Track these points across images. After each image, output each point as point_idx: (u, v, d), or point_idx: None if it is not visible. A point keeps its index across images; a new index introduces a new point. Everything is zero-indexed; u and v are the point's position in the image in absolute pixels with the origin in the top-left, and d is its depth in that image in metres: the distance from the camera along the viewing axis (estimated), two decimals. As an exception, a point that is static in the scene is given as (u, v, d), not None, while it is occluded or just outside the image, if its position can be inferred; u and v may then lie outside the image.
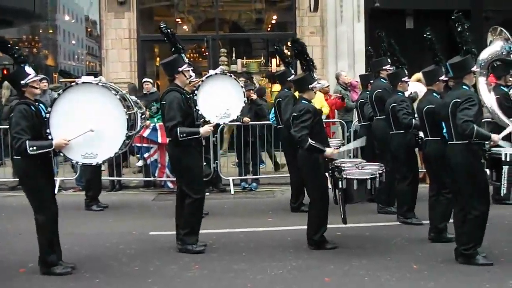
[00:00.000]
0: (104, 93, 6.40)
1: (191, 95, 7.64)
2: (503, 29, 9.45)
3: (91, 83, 6.46)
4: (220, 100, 8.35)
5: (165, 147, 10.86)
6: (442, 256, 6.77)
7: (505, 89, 9.38)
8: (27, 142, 5.98)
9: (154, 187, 11.70)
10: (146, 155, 11.14)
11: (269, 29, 16.81)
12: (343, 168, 7.08)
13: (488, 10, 15.27)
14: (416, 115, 8.03)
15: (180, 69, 7.13)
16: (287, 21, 16.07)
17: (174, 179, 10.89)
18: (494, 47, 9.35)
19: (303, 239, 7.36)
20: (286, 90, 9.68)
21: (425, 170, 10.28)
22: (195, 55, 17.01)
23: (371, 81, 9.68)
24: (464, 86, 6.43)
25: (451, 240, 6.95)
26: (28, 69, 6.26)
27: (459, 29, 6.62)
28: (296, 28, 15.33)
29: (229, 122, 9.22)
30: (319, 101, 11.19)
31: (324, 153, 6.99)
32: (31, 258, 6.58)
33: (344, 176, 6.97)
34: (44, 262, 6.35)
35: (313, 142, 6.89)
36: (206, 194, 10.42)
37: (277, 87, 14.92)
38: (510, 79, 9.72)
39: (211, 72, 8.80)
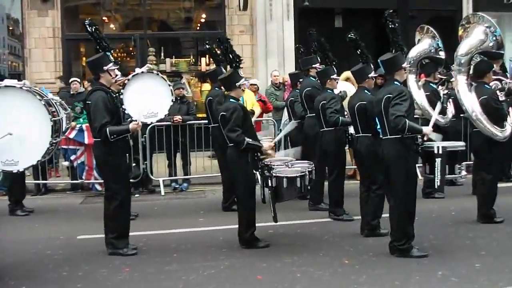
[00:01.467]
0: (28, 98, 6.17)
1: (117, 95, 7.47)
2: (430, 27, 9.70)
3: (15, 86, 6.21)
4: (147, 99, 8.20)
5: (92, 149, 10.63)
6: (373, 250, 6.87)
7: (434, 86, 9.62)
8: None
9: (82, 190, 11.42)
10: (72, 157, 10.85)
11: (198, 27, 16.71)
12: (272, 166, 7.07)
13: (413, 10, 15.67)
14: (346, 112, 8.14)
15: (105, 67, 6.94)
16: (217, 19, 16.02)
17: (102, 181, 10.73)
18: (423, 45, 9.58)
19: (235, 239, 7.31)
20: (216, 89, 9.61)
21: (354, 167, 10.53)
22: (122, 54, 16.69)
23: (301, 80, 9.74)
24: (395, 82, 6.54)
25: (385, 235, 7.07)
26: None
27: (390, 26, 6.72)
28: (225, 26, 15.29)
29: (156, 121, 9.08)
30: (250, 101, 11.19)
31: (262, 149, 6.98)
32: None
33: (274, 174, 6.96)
34: None
35: (250, 140, 6.87)
36: (136, 195, 10.39)
37: (207, 86, 14.85)
38: (438, 76, 9.99)
39: (137, 70, 8.65)
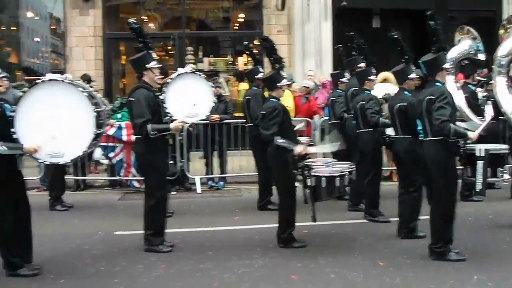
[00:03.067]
0: (71, 91, 6.27)
1: (159, 93, 7.55)
2: (470, 28, 9.57)
3: (57, 80, 6.34)
4: (188, 99, 8.27)
5: (131, 146, 10.78)
6: (408, 252, 6.83)
7: (473, 88, 9.50)
8: None
9: (120, 187, 11.58)
10: (111, 154, 11.01)
11: (236, 27, 16.77)
12: (312, 166, 7.09)
13: (453, 10, 15.47)
14: (385, 113, 8.11)
15: (148, 66, 7.02)
16: (254, 19, 16.05)
17: (140, 178, 10.88)
18: (462, 46, 9.45)
19: (270, 238, 7.35)
20: (254, 88, 9.64)
21: (391, 168, 10.48)
22: (161, 53, 16.85)
23: (342, 79, 9.73)
24: (437, 83, 6.46)
25: (422, 238, 7.05)
26: None
27: (432, 27, 6.63)
28: (263, 26, 15.31)
29: (197, 121, 9.15)
30: (286, 99, 11.18)
31: (293, 152, 6.96)
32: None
33: (313, 173, 6.98)
34: (8, 264, 6.21)
35: (282, 140, 6.87)
36: (173, 193, 10.50)
37: (244, 86, 14.91)
38: (477, 78, 9.85)
39: (181, 70, 8.73)
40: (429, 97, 6.34)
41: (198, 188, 11.13)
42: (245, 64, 15.43)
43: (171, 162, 11.00)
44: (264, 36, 8.25)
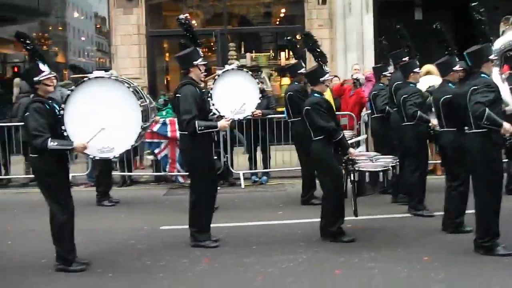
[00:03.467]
0: (117, 87, 6.42)
1: (205, 90, 7.61)
2: None
3: (103, 77, 6.48)
4: (235, 95, 8.31)
5: (175, 142, 10.92)
6: (453, 247, 6.77)
7: None
8: (49, 140, 6.00)
9: (165, 182, 11.74)
10: (156, 150, 11.16)
11: (277, 22, 16.78)
12: (356, 161, 7.09)
13: (497, 0, 15.16)
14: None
15: (195, 62, 7.08)
16: (296, 14, 16.03)
17: (185, 173, 11.02)
18: (507, 36, 9.27)
19: (313, 232, 7.38)
20: (296, 83, 9.65)
21: (435, 162, 10.35)
22: (204, 49, 16.98)
23: (384, 73, 9.67)
24: (482, 75, 6.37)
25: (469, 232, 6.98)
26: (43, 66, 6.25)
27: (477, 18, 6.53)
28: (304, 21, 15.28)
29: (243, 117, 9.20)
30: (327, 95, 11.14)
31: (348, 151, 7.03)
32: (44, 254, 6.66)
33: (357, 168, 6.98)
34: (62, 259, 6.38)
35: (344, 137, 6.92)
36: (218, 187, 10.58)
37: (286, 81, 14.92)
38: None
39: (227, 67, 8.78)
40: (473, 87, 6.25)
41: (242, 183, 11.21)
42: (287, 59, 15.43)
43: (215, 157, 11.12)
44: (306, 32, 8.22)
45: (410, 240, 7.23)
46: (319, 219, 7.31)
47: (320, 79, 7.22)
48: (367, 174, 6.99)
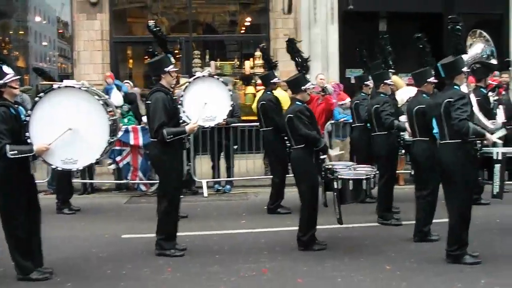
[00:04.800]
0: (86, 98, 6.32)
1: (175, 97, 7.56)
2: (482, 31, 9.56)
3: (74, 87, 6.38)
4: (206, 102, 8.25)
5: (138, 150, 10.82)
6: (416, 256, 6.82)
7: (485, 91, 9.51)
8: (7, 146, 5.85)
9: (127, 190, 11.61)
10: (118, 158, 11.03)
11: (242, 31, 16.78)
12: (336, 169, 7.12)
13: (460, 13, 15.41)
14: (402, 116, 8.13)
15: (167, 69, 7.02)
16: (261, 23, 16.04)
17: (147, 181, 10.91)
18: (475, 49, 9.44)
19: (276, 241, 7.38)
20: (269, 92, 9.65)
21: (400, 171, 10.46)
22: (168, 57, 16.89)
23: (365, 82, 9.73)
24: (455, 86, 6.47)
25: (436, 241, 7.09)
26: (7, 68, 6.11)
27: (453, 30, 6.63)
28: (270, 30, 15.32)
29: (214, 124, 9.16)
30: (284, 100, 11.10)
31: (327, 154, 7.10)
32: (2, 263, 6.52)
33: (340, 176, 7.01)
34: (20, 267, 6.22)
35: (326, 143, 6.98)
36: (180, 196, 10.50)
37: (251, 89, 14.93)
38: (489, 81, 9.87)
39: (199, 74, 8.75)
40: (448, 99, 6.33)
41: (205, 191, 11.14)
42: (252, 67, 15.45)
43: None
44: (290, 38, 8.20)
45: (374, 249, 7.26)
46: (283, 228, 7.30)
47: (302, 87, 7.23)
48: (350, 182, 7.01)
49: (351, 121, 11.81)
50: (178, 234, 7.38)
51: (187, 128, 7.03)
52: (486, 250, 6.97)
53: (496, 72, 10.21)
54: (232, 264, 6.68)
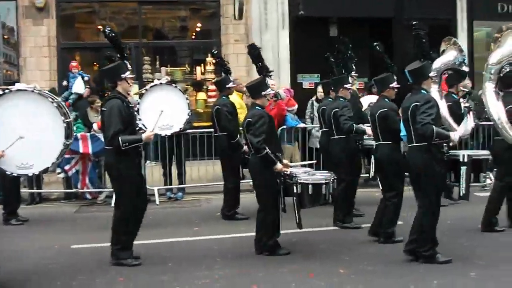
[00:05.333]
0: (40, 101, 6.16)
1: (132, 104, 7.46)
2: (456, 40, 9.77)
3: (27, 90, 6.20)
4: (162, 110, 8.14)
5: (87, 158, 10.63)
6: (371, 259, 6.86)
7: (456, 97, 9.72)
8: None
9: (76, 199, 11.36)
10: (67, 167, 10.78)
11: (193, 36, 16.69)
12: (294, 174, 7.13)
13: (411, 19, 15.66)
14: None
15: (123, 75, 6.89)
16: (212, 28, 15.97)
17: (93, 190, 10.72)
18: (447, 56, 9.62)
19: (229, 248, 7.32)
20: (224, 97, 9.61)
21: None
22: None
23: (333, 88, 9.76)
24: (422, 91, 6.63)
25: (400, 242, 7.15)
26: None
27: (418, 36, 6.78)
28: (220, 36, 15.28)
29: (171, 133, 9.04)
30: (238, 103, 11.09)
31: (274, 167, 7.00)
32: None
33: (299, 181, 7.02)
34: None
35: (269, 151, 6.91)
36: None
37: (202, 95, 14.86)
38: (461, 88, 10.11)
39: (156, 81, 8.66)
40: (415, 103, 6.48)
41: (157, 199, 10.98)
42: (203, 73, 15.40)
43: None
44: (252, 44, 8.16)
45: (330, 253, 7.28)
46: (236, 234, 7.24)
47: (262, 92, 7.23)
48: (310, 186, 7.04)
49: (302, 126, 11.93)
50: (145, 242, 7.32)
51: (143, 136, 6.90)
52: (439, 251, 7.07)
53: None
54: (185, 272, 6.59)
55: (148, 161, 11.57)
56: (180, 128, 8.85)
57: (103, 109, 6.88)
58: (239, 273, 6.54)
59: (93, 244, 7.38)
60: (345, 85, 8.65)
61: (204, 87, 15.08)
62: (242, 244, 7.56)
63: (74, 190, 11.13)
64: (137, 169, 7.08)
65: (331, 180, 7.24)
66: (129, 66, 7.21)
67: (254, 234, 7.28)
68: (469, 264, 6.62)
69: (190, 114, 9.03)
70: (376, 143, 7.64)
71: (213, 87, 13.49)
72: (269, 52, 14.92)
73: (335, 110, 8.49)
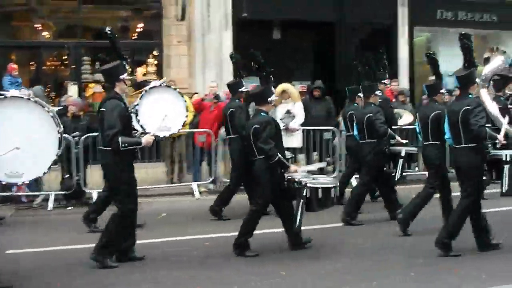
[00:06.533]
0: (35, 110, 6.07)
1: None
2: (499, 47, 10.04)
3: (22, 98, 6.15)
4: (161, 112, 7.99)
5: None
6: (309, 262, 6.92)
7: (503, 100, 10.15)
8: None
9: (11, 203, 10.98)
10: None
11: (135, 37, 16.46)
12: (300, 179, 7.19)
13: (353, 22, 15.89)
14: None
15: (121, 76, 6.89)
16: (153, 29, 15.82)
17: (29, 194, 10.70)
18: (495, 63, 9.87)
19: (173, 251, 7.27)
20: (237, 100, 9.66)
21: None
22: (55, 63, 16.23)
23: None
24: (470, 95, 7.12)
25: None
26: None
27: (466, 45, 7.18)
28: (162, 36, 15.13)
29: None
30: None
31: (288, 170, 7.19)
32: None
33: (309, 185, 7.15)
34: None
35: (281, 157, 7.08)
36: (69, 208, 10.14)
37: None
38: (507, 91, 10.67)
39: (155, 83, 8.58)
40: (467, 107, 6.94)
41: (96, 202, 10.71)
42: (144, 74, 15.21)
43: (67, 176, 10.64)
44: (255, 52, 8.09)
45: (279, 253, 7.31)
46: (172, 238, 7.21)
47: (268, 99, 7.39)
48: (320, 190, 7.30)
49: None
50: (82, 246, 7.16)
51: (143, 140, 6.86)
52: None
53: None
54: (129, 274, 6.48)
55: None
56: (179, 130, 8.80)
57: (101, 109, 6.81)
58: (183, 276, 6.46)
59: (29, 249, 7.18)
60: (375, 92, 9.13)
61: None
62: (189, 247, 7.56)
63: (9, 193, 10.78)
64: (132, 171, 7.04)
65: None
66: (127, 67, 7.30)
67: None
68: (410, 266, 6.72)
69: (187, 116, 9.02)
70: (424, 143, 8.16)
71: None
72: (211, 53, 14.93)
73: (369, 115, 8.94)
